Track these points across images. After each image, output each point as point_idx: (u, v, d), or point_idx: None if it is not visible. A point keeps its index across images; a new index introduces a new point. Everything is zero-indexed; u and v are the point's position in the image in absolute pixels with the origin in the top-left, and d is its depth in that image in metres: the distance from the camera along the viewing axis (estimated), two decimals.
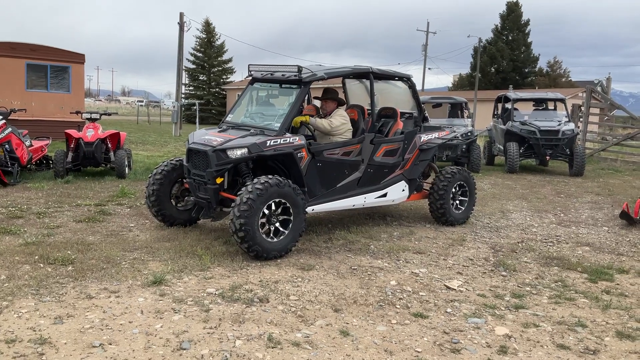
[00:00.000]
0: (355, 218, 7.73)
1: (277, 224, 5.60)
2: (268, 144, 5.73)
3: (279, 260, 5.53)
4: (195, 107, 33.09)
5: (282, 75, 6.32)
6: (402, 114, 7.58)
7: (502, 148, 14.88)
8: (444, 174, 7.46)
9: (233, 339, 3.73)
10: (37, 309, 4.04)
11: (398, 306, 4.50)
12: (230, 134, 6.03)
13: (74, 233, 6.20)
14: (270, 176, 5.52)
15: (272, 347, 3.65)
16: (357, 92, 8.24)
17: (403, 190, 7.16)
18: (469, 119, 14.89)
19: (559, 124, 14.19)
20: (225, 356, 3.48)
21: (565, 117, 14.86)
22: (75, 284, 4.57)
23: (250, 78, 6.89)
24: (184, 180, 6.48)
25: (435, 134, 7.51)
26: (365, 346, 3.75)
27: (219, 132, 6.24)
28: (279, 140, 5.81)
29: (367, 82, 7.63)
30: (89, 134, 10.25)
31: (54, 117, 18.62)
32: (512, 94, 15.65)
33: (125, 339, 3.63)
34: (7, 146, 9.52)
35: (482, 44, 50.20)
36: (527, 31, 53.31)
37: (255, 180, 5.46)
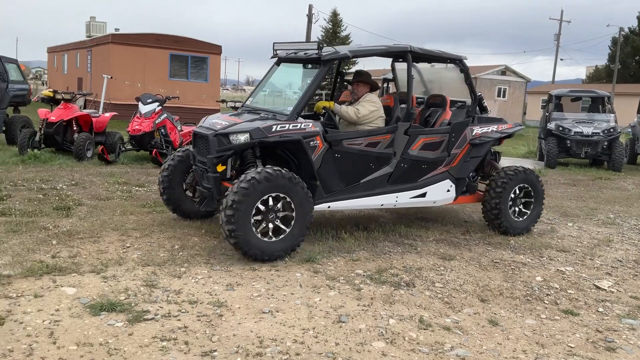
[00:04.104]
0: None
1: (277, 222, 4.97)
2: (273, 130, 5.07)
3: (419, 249, 5.69)
4: (318, 97, 33.90)
5: (304, 54, 5.62)
6: (453, 102, 6.62)
7: None
8: (504, 172, 6.42)
9: (386, 317, 3.96)
10: (211, 276, 4.54)
11: (546, 302, 4.50)
12: (240, 118, 5.46)
13: None
14: (269, 167, 4.92)
15: (424, 329, 3.83)
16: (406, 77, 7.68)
17: (448, 190, 6.19)
18: (612, 114, 13.99)
19: None
20: (381, 332, 3.73)
21: None
22: (239, 257, 5.04)
23: (276, 58, 6.22)
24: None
25: (493, 127, 6.45)
26: (516, 337, 3.82)
27: (231, 115, 5.73)
28: (287, 125, 5.14)
29: (419, 66, 7.02)
30: None
31: (193, 104, 20.09)
32: None
33: (290, 309, 3.99)
34: (162, 130, 10.50)
35: (623, 33, 46.45)
36: None
37: (253, 170, 4.92)
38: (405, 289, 4.57)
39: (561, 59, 49.34)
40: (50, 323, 3.53)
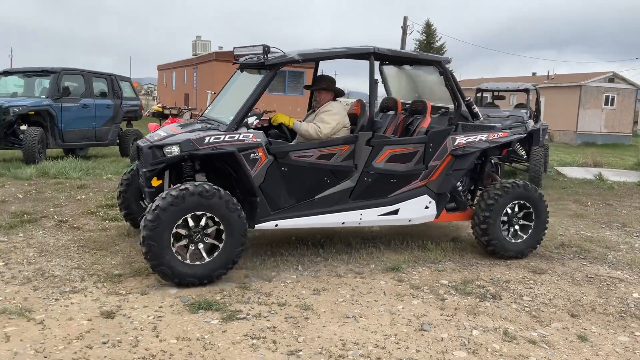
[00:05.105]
0: (590, 225, 7.37)
1: (200, 246, 4.55)
2: (206, 142, 4.67)
3: (508, 262, 5.61)
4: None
5: (257, 58, 5.15)
6: (436, 108, 6.01)
7: None
8: (495, 186, 5.67)
9: (469, 328, 3.99)
10: (299, 280, 4.77)
11: None
12: (183, 129, 5.07)
13: None
14: (193, 183, 4.54)
15: (508, 341, 3.81)
16: (398, 81, 6.94)
17: (427, 207, 5.53)
18: None
19: None
20: (464, 342, 3.76)
21: None
22: (326, 263, 5.26)
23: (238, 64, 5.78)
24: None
25: (482, 135, 5.64)
26: (606, 353, 3.71)
27: (179, 126, 5.30)
28: (221, 137, 4.72)
29: (408, 69, 6.55)
30: None
31: None
32: None
33: (373, 315, 4.12)
34: None
35: None
36: None
37: (174, 186, 4.53)
38: (491, 301, 4.55)
39: None
40: (154, 318, 3.90)
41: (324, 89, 5.66)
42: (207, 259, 4.53)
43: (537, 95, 11.86)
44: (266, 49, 4.95)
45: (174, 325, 3.79)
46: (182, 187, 4.45)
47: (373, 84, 5.40)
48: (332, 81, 5.71)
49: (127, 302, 4.16)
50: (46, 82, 11.95)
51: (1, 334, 3.56)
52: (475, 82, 34.57)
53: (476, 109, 5.85)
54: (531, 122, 10.97)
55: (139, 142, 5.21)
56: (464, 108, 5.71)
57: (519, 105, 12.11)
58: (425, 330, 3.90)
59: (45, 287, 4.37)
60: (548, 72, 34.49)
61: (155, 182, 4.90)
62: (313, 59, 5.47)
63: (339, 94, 5.76)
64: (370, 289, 4.64)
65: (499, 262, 5.56)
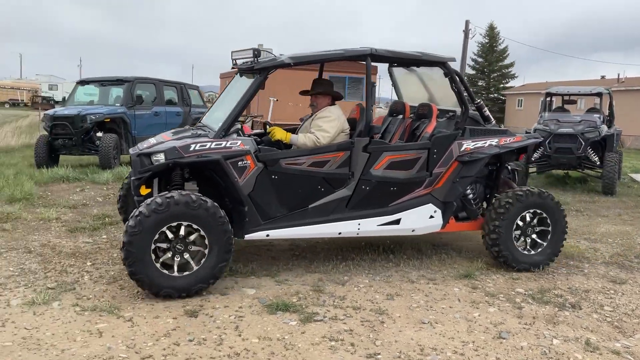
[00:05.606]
0: None
1: (185, 256, 4.39)
2: (191, 149, 4.52)
3: (585, 271, 5.46)
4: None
5: (251, 62, 4.99)
6: (444, 112, 5.75)
7: None
8: (507, 194, 5.33)
9: (549, 337, 3.91)
10: (371, 285, 4.81)
11: None
12: (174, 137, 4.97)
13: None
14: (179, 192, 4.39)
15: (591, 352, 3.72)
16: (410, 84, 6.63)
17: (431, 216, 5.21)
18: None
19: None
20: (544, 351, 3.70)
21: None
22: (397, 269, 5.28)
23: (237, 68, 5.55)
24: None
25: (492, 140, 5.32)
26: None
27: (174, 133, 5.22)
28: (208, 144, 4.57)
29: (420, 71, 6.31)
30: None
31: None
32: None
33: (449, 321, 4.11)
34: None
35: None
36: None
37: (158, 195, 4.42)
38: (571, 310, 4.45)
39: None
40: (235, 318, 4.03)
41: (321, 93, 5.47)
42: (177, 274, 4.36)
43: (610, 99, 11.44)
44: (256, 53, 4.85)
45: (255, 325, 3.91)
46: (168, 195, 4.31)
47: (370, 87, 5.17)
48: (330, 85, 5.54)
49: (209, 302, 4.32)
50: (119, 91, 12.51)
51: (94, 330, 3.78)
52: (541, 86, 33.60)
53: (487, 112, 5.60)
54: (604, 127, 10.60)
55: (131, 149, 5.16)
56: (472, 111, 5.46)
57: (591, 110, 11.72)
58: (504, 339, 3.86)
59: (131, 287, 4.59)
60: (618, 75, 33.20)
61: (144, 191, 4.82)
62: (306, 62, 5.27)
63: (337, 97, 5.58)
64: (444, 296, 4.63)
65: (576, 272, 5.42)
